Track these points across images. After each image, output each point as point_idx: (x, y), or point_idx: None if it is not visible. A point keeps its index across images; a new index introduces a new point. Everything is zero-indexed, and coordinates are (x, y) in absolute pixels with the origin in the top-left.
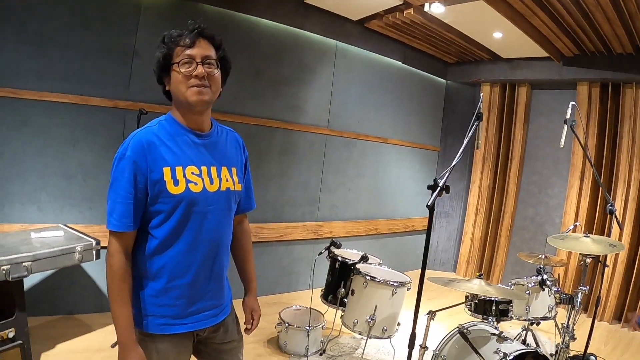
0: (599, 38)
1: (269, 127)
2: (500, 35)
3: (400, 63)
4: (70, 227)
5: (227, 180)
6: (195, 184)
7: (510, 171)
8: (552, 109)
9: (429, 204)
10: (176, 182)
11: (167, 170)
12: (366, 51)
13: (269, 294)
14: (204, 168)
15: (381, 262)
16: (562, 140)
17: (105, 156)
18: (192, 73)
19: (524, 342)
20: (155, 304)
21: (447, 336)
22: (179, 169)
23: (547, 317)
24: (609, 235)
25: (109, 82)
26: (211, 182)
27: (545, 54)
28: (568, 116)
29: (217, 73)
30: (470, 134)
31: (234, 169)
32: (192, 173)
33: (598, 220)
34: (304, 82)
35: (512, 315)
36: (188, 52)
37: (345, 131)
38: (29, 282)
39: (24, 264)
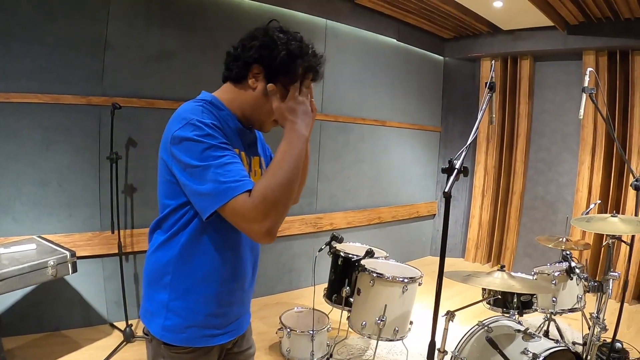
0: (606, 2)
1: None
2: (501, 4)
3: (395, 40)
4: (45, 239)
5: (260, 174)
6: (255, 173)
7: (517, 149)
8: (557, 81)
9: (446, 190)
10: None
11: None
12: (358, 29)
13: (269, 294)
14: (254, 159)
15: (388, 255)
16: (582, 111)
17: (81, 157)
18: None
19: (546, 332)
20: (202, 312)
21: (467, 335)
22: (243, 155)
23: (575, 308)
24: (636, 213)
25: (81, 78)
26: (254, 174)
27: (549, 23)
28: (586, 84)
29: None
30: (484, 106)
31: (262, 161)
32: (249, 163)
33: (612, 196)
34: None
35: (536, 308)
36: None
37: (340, 115)
38: (10, 300)
39: None
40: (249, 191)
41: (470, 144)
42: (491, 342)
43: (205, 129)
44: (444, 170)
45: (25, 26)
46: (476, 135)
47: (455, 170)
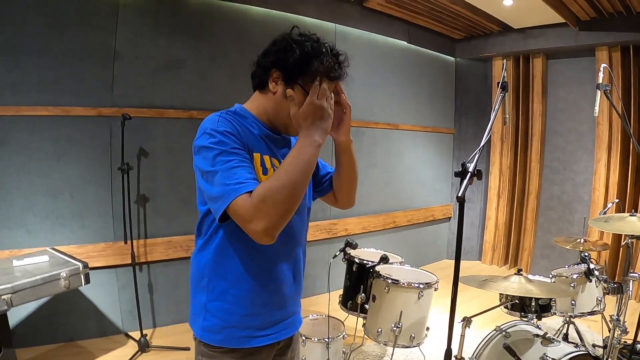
0: None
1: None
2: (511, 2)
3: (405, 43)
4: (57, 251)
5: None
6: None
7: (532, 149)
8: (570, 79)
9: (459, 194)
10: (265, 171)
11: (257, 157)
12: (368, 33)
13: None
14: (275, 160)
15: (403, 260)
16: (597, 108)
17: (92, 168)
18: None
19: (565, 336)
20: (237, 313)
21: (484, 341)
22: (266, 157)
23: (595, 311)
24: None
25: (91, 89)
26: None
27: (560, 20)
28: (600, 80)
29: None
30: (497, 106)
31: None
32: (273, 166)
33: (630, 194)
34: None
35: (555, 312)
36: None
37: (352, 120)
38: (24, 311)
39: (3, 297)
40: (251, 192)
41: (483, 146)
42: (509, 350)
43: (218, 135)
44: (457, 174)
45: (33, 39)
46: (490, 136)
47: (469, 174)
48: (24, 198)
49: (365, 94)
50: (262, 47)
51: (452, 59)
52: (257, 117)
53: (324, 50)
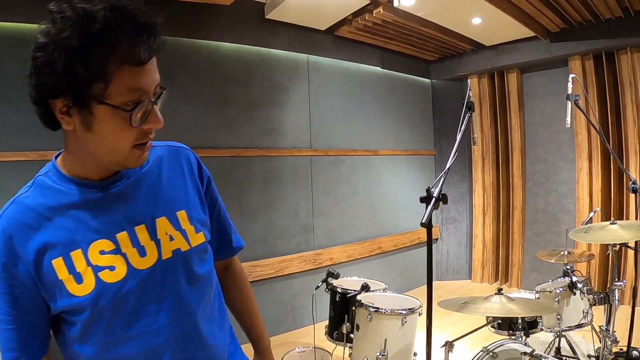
0: (584, 6)
1: (245, 156)
2: (480, 20)
3: (379, 68)
4: None
5: (170, 239)
6: (112, 268)
7: (513, 164)
8: (546, 90)
9: (423, 220)
10: (78, 278)
11: (58, 263)
12: (341, 61)
13: (273, 334)
14: (121, 236)
15: (386, 286)
16: (568, 119)
17: None
18: (143, 126)
19: (557, 350)
20: None
21: None
22: (76, 254)
23: (582, 324)
24: (637, 217)
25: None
26: (142, 253)
27: (531, 33)
28: (570, 91)
29: None
30: (463, 127)
31: (181, 214)
32: (102, 252)
33: (615, 201)
34: (277, 103)
35: (542, 327)
36: (135, 82)
37: (330, 149)
38: None
39: None
40: None
41: (448, 169)
42: None
43: None
44: (422, 200)
45: (11, 85)
46: (464, 155)
47: (434, 199)
48: None
49: (342, 122)
50: (235, 83)
51: (428, 80)
52: (68, 174)
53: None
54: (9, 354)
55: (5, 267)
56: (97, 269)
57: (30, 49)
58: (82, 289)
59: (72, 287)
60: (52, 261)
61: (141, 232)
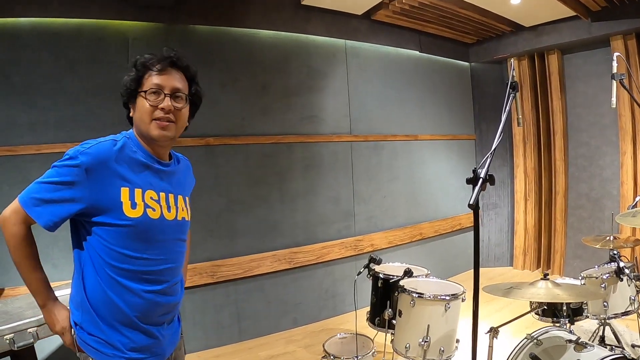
0: None
1: (285, 143)
2: (518, 1)
3: (417, 52)
4: None
5: (182, 210)
6: (154, 209)
7: (555, 147)
8: (587, 72)
9: (471, 201)
10: (134, 205)
11: (125, 191)
12: (379, 45)
13: (314, 321)
14: (162, 194)
15: (429, 272)
16: (614, 100)
17: None
18: (158, 105)
19: (602, 338)
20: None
21: (515, 350)
22: (138, 191)
23: (629, 311)
24: None
25: (106, 124)
26: (169, 209)
27: (571, 13)
28: (615, 70)
29: (184, 109)
30: (508, 107)
31: (187, 199)
32: (151, 198)
33: None
34: (316, 90)
35: (588, 315)
36: (156, 80)
37: (370, 134)
38: (53, 344)
39: (28, 330)
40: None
41: (494, 150)
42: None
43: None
44: (468, 181)
45: (48, 79)
46: (505, 139)
47: (480, 180)
48: (48, 234)
49: (381, 108)
50: (272, 70)
51: (467, 64)
52: (142, 145)
53: (137, 63)
54: (46, 207)
55: (87, 172)
56: (146, 206)
57: (64, 44)
58: (134, 213)
59: (127, 209)
60: (121, 187)
61: (172, 198)
